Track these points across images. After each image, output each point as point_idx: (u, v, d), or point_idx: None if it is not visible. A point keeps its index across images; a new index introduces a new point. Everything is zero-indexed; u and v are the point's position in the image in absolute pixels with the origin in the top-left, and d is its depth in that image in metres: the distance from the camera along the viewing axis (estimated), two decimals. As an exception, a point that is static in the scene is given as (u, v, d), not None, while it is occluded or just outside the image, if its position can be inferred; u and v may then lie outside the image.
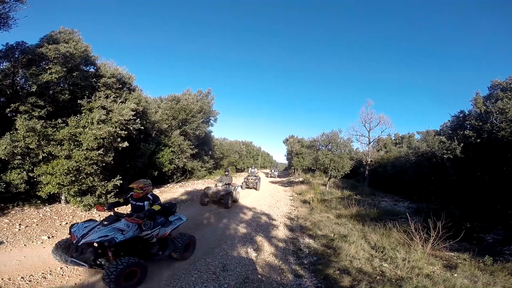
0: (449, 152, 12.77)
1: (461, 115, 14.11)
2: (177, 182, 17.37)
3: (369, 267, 5.38)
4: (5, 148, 6.70)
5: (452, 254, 6.47)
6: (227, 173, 12.80)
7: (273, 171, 34.68)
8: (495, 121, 10.77)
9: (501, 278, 4.97)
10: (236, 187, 12.06)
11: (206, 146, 23.03)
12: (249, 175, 18.52)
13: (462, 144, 12.16)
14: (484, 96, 13.07)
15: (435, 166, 14.21)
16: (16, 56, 7.70)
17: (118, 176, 9.17)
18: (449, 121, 15.74)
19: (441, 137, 14.29)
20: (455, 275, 5.08)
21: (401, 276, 4.90)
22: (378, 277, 4.87)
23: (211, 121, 21.44)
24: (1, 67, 7.86)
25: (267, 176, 33.47)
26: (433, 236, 6.20)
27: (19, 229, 6.25)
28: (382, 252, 6.19)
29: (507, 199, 9.40)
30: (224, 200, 10.54)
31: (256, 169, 21.81)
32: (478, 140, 11.46)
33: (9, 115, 7.56)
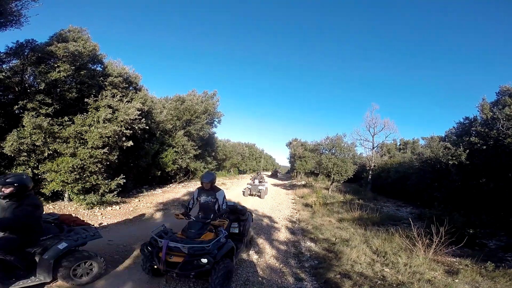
0: (454, 158, 12.68)
1: (466, 121, 14.04)
2: (179, 183, 17.45)
3: (370, 271, 5.35)
4: (12, 144, 6.80)
5: (454, 259, 6.43)
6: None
7: (256, 181, 15.74)
8: (501, 128, 10.68)
9: (502, 284, 4.95)
10: (56, 244, 3.62)
11: (210, 147, 23.12)
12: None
13: (467, 150, 12.07)
14: (491, 102, 12.97)
15: (439, 172, 14.11)
16: (25, 54, 7.82)
17: (122, 175, 9.24)
18: (454, 127, 15.68)
19: (446, 143, 14.22)
20: (456, 280, 5.05)
21: (402, 281, 4.86)
22: (379, 282, 4.84)
23: (215, 123, 21.56)
24: (11, 64, 8.00)
25: (246, 194, 14.96)
26: (435, 241, 6.16)
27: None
28: (383, 257, 6.15)
29: (511, 205, 9.33)
30: None
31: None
32: (484, 147, 11.37)
33: (16, 112, 7.67)
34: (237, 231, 5.14)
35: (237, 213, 5.54)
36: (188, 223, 4.28)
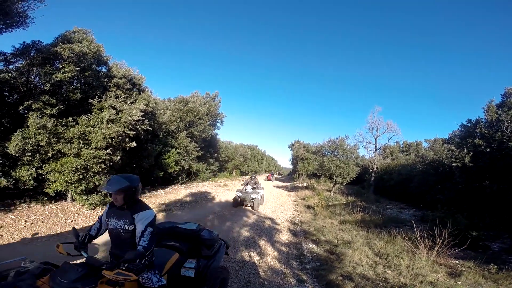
0: (457, 160, 12.59)
1: (470, 123, 13.95)
2: (181, 184, 17.49)
3: (372, 273, 5.33)
4: (17, 144, 6.87)
5: (457, 262, 6.39)
6: None
7: (248, 187, 12.15)
8: (506, 130, 10.62)
9: (505, 286, 4.95)
10: None
11: (212, 148, 23.18)
12: None
13: (471, 152, 12.00)
14: (496, 104, 12.86)
15: (442, 175, 14.04)
16: (31, 54, 7.92)
17: (125, 175, 9.28)
18: (457, 129, 15.58)
19: (449, 145, 14.14)
20: (459, 282, 5.03)
21: (404, 283, 4.84)
22: (381, 284, 4.82)
23: (218, 124, 21.67)
24: (17, 65, 8.10)
25: (235, 204, 11.68)
26: (438, 243, 6.12)
27: (25, 226, 6.36)
28: (386, 259, 6.12)
29: (515, 208, 9.28)
30: None
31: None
32: (488, 149, 11.29)
33: (21, 112, 7.76)
34: (193, 275, 2.85)
35: (199, 243, 3.23)
36: (62, 265, 2.12)
